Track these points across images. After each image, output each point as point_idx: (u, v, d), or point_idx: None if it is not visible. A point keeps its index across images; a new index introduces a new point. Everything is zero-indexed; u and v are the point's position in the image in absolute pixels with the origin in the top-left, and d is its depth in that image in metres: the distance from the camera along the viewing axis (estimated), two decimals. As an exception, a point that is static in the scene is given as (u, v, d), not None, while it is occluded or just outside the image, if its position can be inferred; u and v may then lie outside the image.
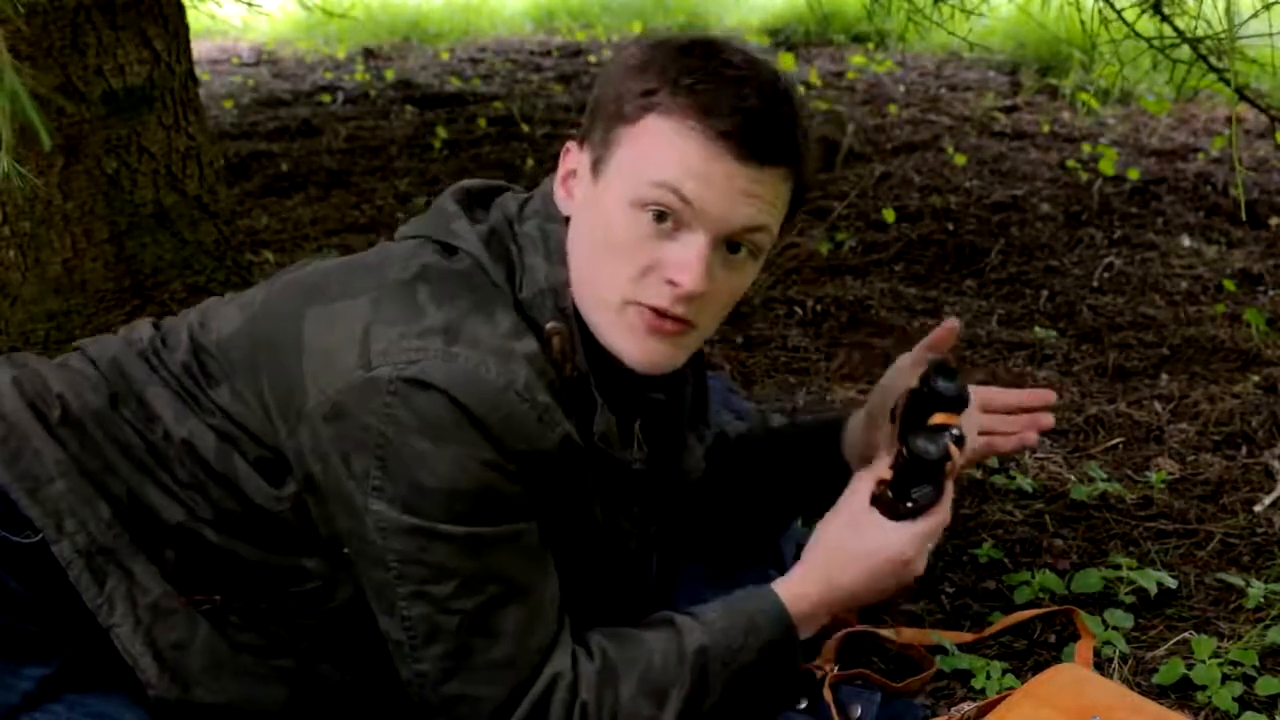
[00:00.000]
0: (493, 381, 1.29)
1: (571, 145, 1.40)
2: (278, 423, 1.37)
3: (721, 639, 1.41)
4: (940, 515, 1.47)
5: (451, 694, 1.35)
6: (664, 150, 1.31)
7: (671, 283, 1.32)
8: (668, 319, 1.34)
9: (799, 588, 1.47)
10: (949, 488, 1.48)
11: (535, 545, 1.36)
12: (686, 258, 1.31)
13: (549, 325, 1.36)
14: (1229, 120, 4.69)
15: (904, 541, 1.45)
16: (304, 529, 1.39)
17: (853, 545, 1.47)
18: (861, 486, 1.49)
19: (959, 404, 1.46)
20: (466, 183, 1.50)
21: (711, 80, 1.31)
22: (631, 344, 1.35)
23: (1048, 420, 1.69)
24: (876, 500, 1.46)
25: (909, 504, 1.44)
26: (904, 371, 1.60)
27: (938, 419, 1.45)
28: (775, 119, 1.32)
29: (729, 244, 1.34)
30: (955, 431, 1.45)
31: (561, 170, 1.41)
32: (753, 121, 1.30)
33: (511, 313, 1.35)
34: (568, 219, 1.41)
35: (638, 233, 1.32)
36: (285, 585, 1.42)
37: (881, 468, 1.49)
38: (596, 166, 1.36)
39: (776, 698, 1.50)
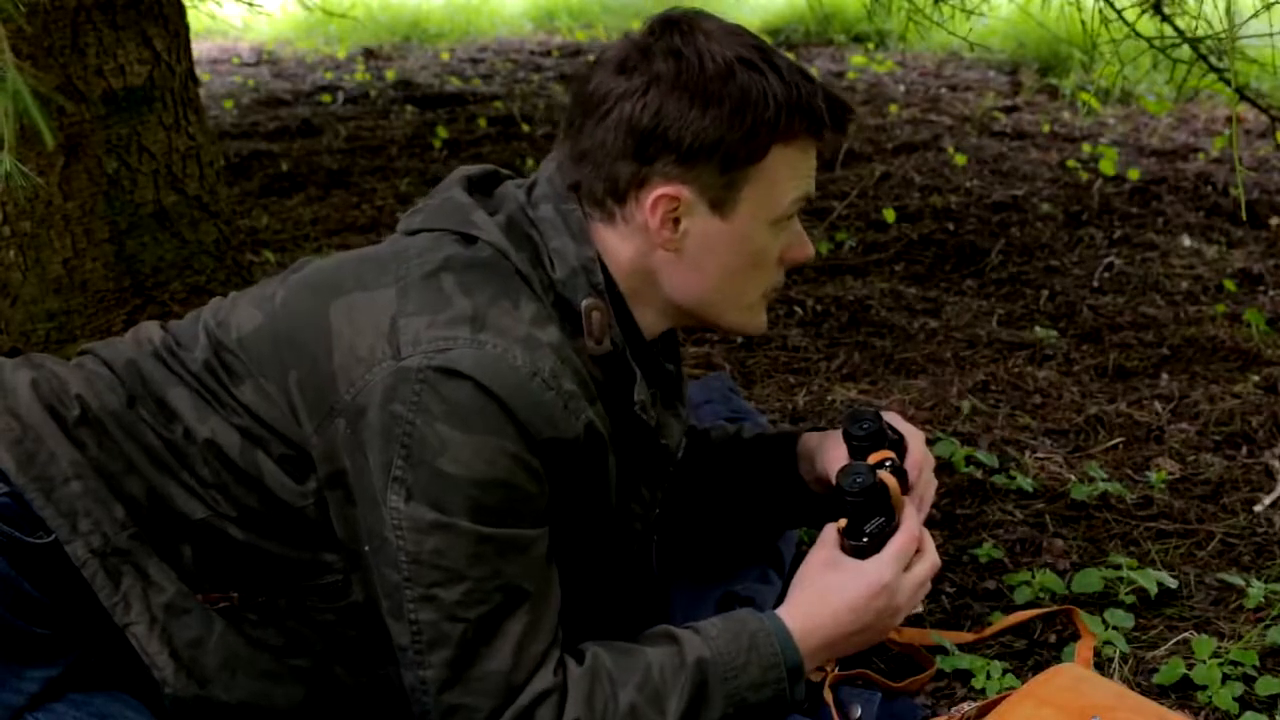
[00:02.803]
0: (519, 369, 1.31)
1: (667, 189, 1.39)
2: (305, 420, 1.37)
3: (722, 653, 1.41)
4: (905, 536, 1.50)
5: (451, 703, 1.35)
6: (796, 172, 1.44)
7: (796, 260, 1.51)
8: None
9: (799, 616, 1.47)
10: (909, 512, 1.53)
11: (544, 556, 1.37)
12: (803, 237, 1.51)
13: (586, 301, 1.39)
14: (1229, 120, 4.69)
15: (877, 568, 1.48)
16: (326, 524, 1.40)
17: (829, 581, 1.48)
18: (832, 533, 1.52)
19: (877, 440, 1.58)
20: (465, 170, 1.52)
21: (802, 85, 1.40)
22: (760, 321, 1.53)
23: None
24: (841, 548, 1.51)
25: (864, 539, 1.49)
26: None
27: (871, 459, 1.56)
28: (830, 93, 1.44)
29: None
30: (888, 463, 1.55)
31: (660, 212, 1.40)
32: (830, 106, 1.43)
33: (535, 299, 1.38)
34: (647, 246, 1.44)
35: (775, 241, 1.46)
36: (305, 580, 1.42)
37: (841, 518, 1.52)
38: (720, 206, 1.41)
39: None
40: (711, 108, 1.36)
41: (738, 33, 1.41)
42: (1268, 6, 2.67)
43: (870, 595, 1.47)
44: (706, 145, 1.37)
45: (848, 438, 1.59)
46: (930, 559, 1.53)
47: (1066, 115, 5.06)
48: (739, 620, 1.46)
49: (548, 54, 6.76)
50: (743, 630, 1.44)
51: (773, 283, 1.51)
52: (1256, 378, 2.59)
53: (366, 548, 1.36)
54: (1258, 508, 2.10)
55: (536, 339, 1.34)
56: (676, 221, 1.41)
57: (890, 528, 1.50)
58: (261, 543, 1.41)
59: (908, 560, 1.49)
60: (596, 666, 1.38)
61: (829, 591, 1.47)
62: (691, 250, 1.43)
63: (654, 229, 1.41)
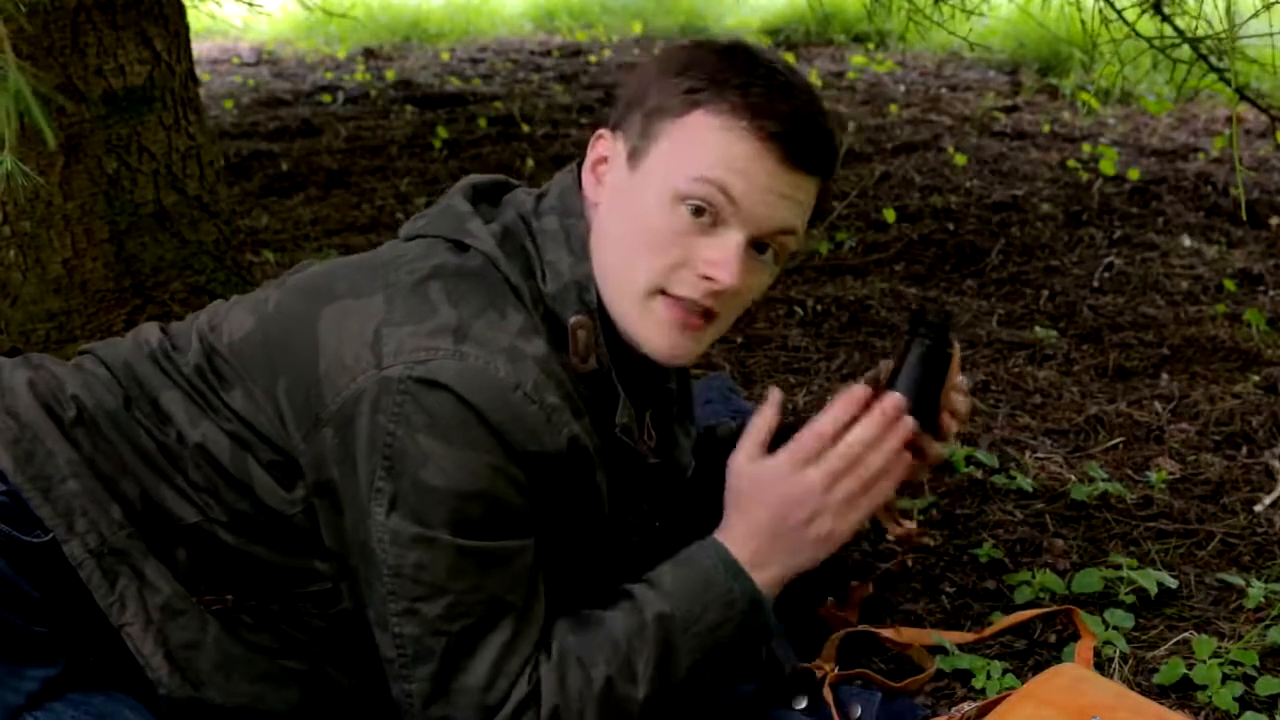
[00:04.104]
0: (502, 381, 1.29)
1: (604, 133, 1.41)
2: (292, 427, 1.37)
3: (679, 606, 1.38)
4: (808, 433, 1.41)
5: (436, 716, 1.35)
6: (711, 146, 1.33)
7: (707, 278, 1.34)
8: (694, 314, 1.37)
9: (735, 537, 1.42)
10: (825, 413, 1.42)
11: (529, 566, 1.35)
12: (725, 254, 1.34)
13: (574, 318, 1.37)
14: (1229, 120, 4.69)
15: (772, 471, 1.41)
16: (315, 531, 1.40)
17: (758, 476, 1.41)
18: (759, 425, 1.44)
19: (944, 333, 1.48)
20: (473, 178, 1.51)
21: (761, 83, 1.34)
22: (657, 335, 1.38)
23: None
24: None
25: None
26: None
27: None
28: (819, 128, 1.37)
29: (757, 244, 1.38)
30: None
31: (591, 157, 1.41)
32: (800, 127, 1.34)
33: (523, 311, 1.36)
34: (587, 213, 1.42)
35: (675, 225, 1.34)
36: (296, 586, 1.42)
37: (772, 410, 1.45)
38: (634, 157, 1.37)
39: (757, 652, 1.47)
40: (661, 71, 1.38)
41: (778, 59, 1.40)
42: (1268, 6, 2.68)
43: (802, 487, 1.39)
44: (638, 95, 1.38)
45: (922, 324, 1.48)
46: (837, 457, 1.40)
47: (1066, 115, 5.06)
48: (690, 564, 1.41)
49: (548, 54, 6.76)
50: (696, 575, 1.40)
51: (666, 280, 1.35)
52: (1256, 378, 2.59)
53: (353, 557, 1.36)
54: (1258, 508, 2.10)
55: (520, 351, 1.32)
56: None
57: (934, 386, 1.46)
58: (252, 548, 1.40)
59: (806, 459, 1.40)
60: (564, 652, 1.36)
61: (762, 492, 1.41)
62: (604, 209, 1.40)
63: (591, 188, 1.41)
